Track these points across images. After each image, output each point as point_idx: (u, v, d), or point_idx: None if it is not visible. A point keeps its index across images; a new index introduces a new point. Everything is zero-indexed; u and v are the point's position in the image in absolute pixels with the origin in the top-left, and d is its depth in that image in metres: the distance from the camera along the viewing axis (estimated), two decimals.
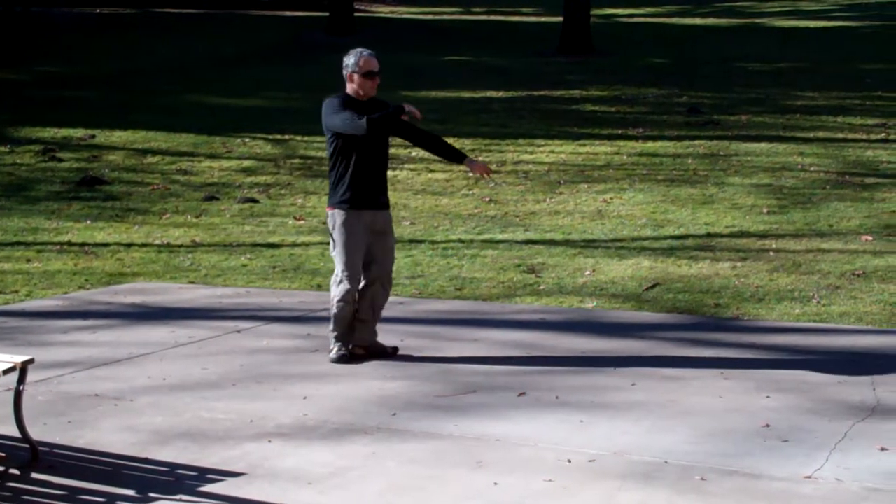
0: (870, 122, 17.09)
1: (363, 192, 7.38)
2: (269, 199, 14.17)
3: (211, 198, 14.23)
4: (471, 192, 14.12)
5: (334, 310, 7.44)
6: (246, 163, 15.88)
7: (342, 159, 7.40)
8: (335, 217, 7.42)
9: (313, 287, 10.22)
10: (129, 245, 12.16)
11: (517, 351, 7.66)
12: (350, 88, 7.54)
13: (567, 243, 11.56)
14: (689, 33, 27.11)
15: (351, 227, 7.36)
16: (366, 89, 7.51)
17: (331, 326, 7.53)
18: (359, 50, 7.58)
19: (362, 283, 7.49)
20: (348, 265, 7.37)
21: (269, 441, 5.91)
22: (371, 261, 7.47)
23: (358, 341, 7.56)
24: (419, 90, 20.41)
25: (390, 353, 7.62)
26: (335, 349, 7.51)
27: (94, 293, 10.13)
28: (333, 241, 7.46)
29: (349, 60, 7.51)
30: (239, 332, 8.41)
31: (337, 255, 7.45)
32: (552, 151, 15.92)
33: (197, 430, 6.14)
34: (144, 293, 10.01)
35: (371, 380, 7.03)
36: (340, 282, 7.41)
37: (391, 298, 9.60)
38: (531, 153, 15.84)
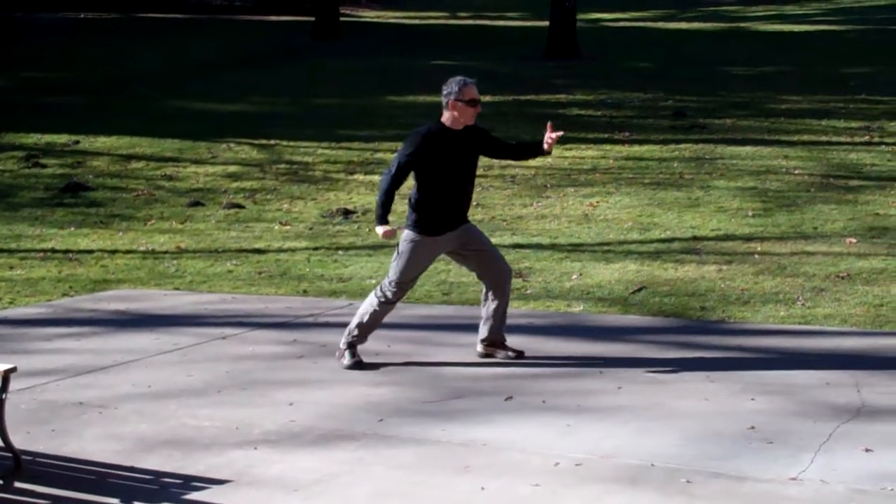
0: (853, 125, 17.15)
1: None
2: (254, 205, 14.14)
3: (196, 203, 14.19)
4: None
5: (365, 320, 7.47)
6: (231, 168, 15.85)
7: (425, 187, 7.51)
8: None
9: (299, 293, 10.20)
10: (114, 252, 12.12)
11: (505, 354, 7.64)
12: (448, 116, 7.49)
13: (554, 247, 11.56)
14: (675, 38, 27.17)
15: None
16: (466, 118, 7.48)
17: (353, 328, 7.48)
18: (460, 78, 7.56)
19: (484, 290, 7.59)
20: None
21: (255, 448, 5.90)
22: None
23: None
24: (405, 94, 20.42)
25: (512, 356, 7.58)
26: (348, 356, 7.47)
27: (77, 300, 10.09)
28: (400, 257, 7.48)
29: (451, 88, 7.47)
30: (224, 338, 8.39)
31: (395, 270, 7.51)
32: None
33: (182, 437, 6.12)
34: (129, 300, 9.98)
35: (358, 385, 7.02)
36: (386, 296, 7.47)
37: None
38: None
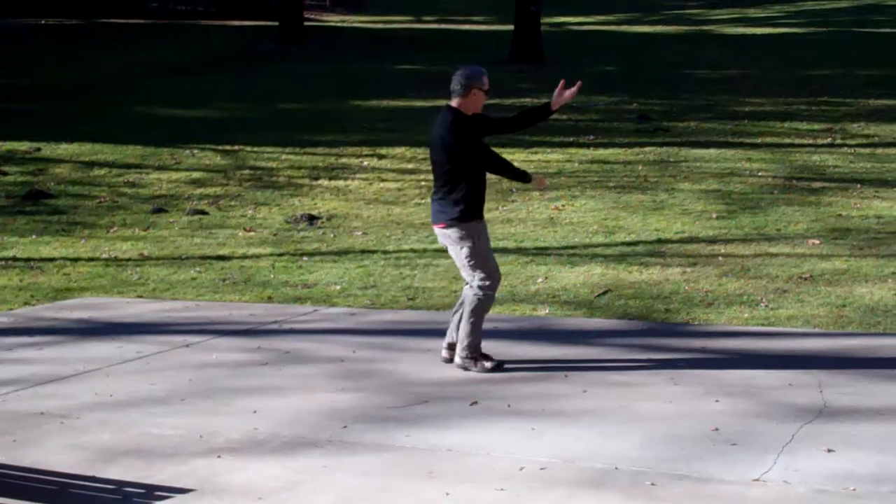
0: (816, 127, 17.28)
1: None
2: (218, 211, 14.07)
3: (159, 210, 14.12)
4: (423, 200, 14.09)
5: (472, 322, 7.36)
6: (195, 174, 15.77)
7: (470, 173, 7.32)
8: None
9: (264, 299, 10.16)
10: (76, 259, 12.03)
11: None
12: (462, 102, 7.32)
13: (519, 251, 11.57)
14: (639, 41, 27.29)
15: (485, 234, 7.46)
16: (478, 106, 7.40)
17: (470, 339, 7.37)
18: (478, 67, 7.46)
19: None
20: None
21: (219, 456, 5.86)
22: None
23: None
24: (370, 99, 20.41)
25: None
26: (484, 363, 7.39)
27: (39, 309, 10.01)
28: (467, 251, 7.32)
29: (472, 76, 7.32)
30: (188, 346, 8.34)
31: (474, 265, 7.35)
32: None
33: (145, 446, 6.07)
34: (91, 308, 9.90)
35: (322, 392, 6.99)
36: (483, 291, 7.35)
37: (343, 309, 9.62)
38: None
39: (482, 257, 7.36)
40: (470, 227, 7.31)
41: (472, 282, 7.40)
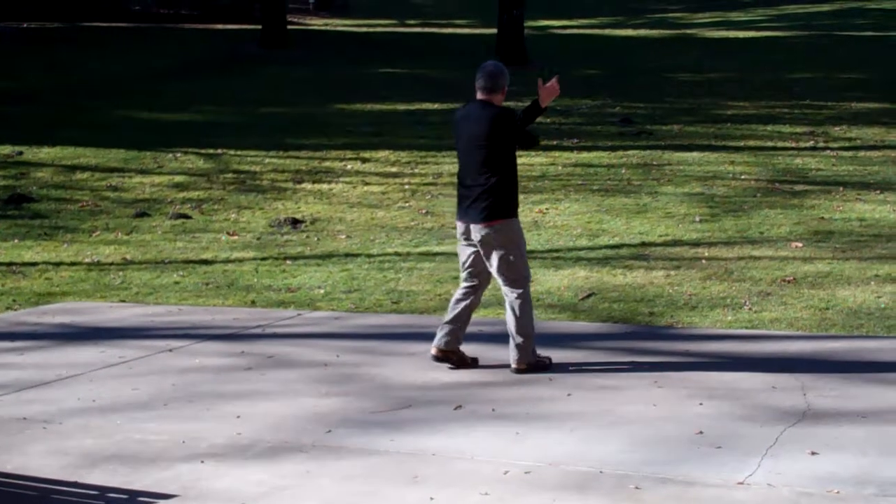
0: (798, 130, 17.33)
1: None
2: (201, 215, 14.04)
3: (142, 214, 14.07)
4: (407, 204, 14.09)
5: (526, 320, 7.31)
6: (178, 178, 15.73)
7: (512, 168, 7.32)
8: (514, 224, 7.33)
9: (247, 303, 10.14)
10: (58, 264, 11.99)
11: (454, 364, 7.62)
12: (498, 100, 7.34)
13: None
14: (622, 45, 27.33)
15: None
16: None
17: (523, 339, 7.31)
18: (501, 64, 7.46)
19: (466, 289, 7.46)
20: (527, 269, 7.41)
21: (202, 461, 5.84)
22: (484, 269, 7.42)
23: (444, 345, 7.46)
24: (354, 103, 20.38)
25: (470, 364, 7.54)
26: (544, 359, 7.42)
27: (21, 314, 9.96)
28: (513, 248, 7.28)
29: (507, 77, 7.38)
30: (171, 350, 8.31)
31: (516, 263, 7.30)
32: None
33: (128, 451, 6.05)
34: (74, 313, 9.86)
35: (305, 397, 6.97)
36: (525, 289, 7.33)
37: (327, 313, 9.60)
38: None
39: (525, 256, 7.38)
40: (515, 220, 7.32)
41: (514, 285, 7.27)
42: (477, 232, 7.28)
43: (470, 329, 8.32)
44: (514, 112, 7.32)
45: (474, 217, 7.26)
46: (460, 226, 7.41)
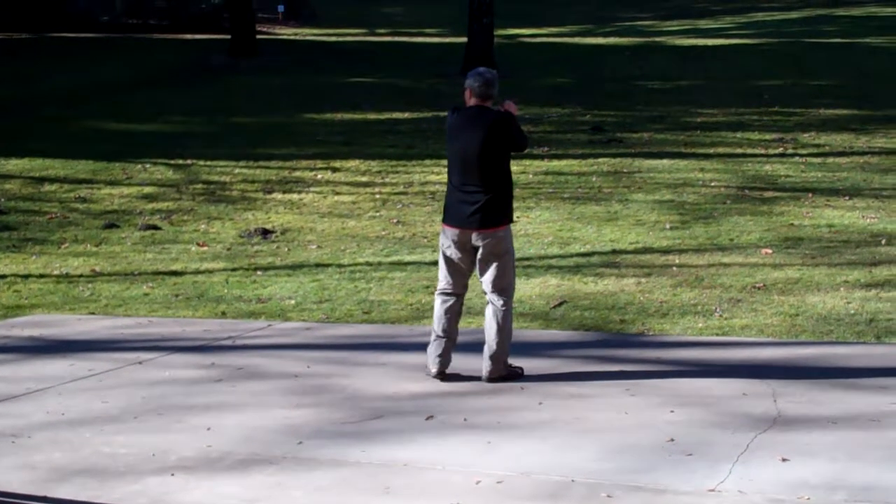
0: (768, 137, 17.41)
1: None
2: (171, 226, 13.97)
3: (111, 226, 13.99)
4: (378, 213, 14.07)
5: (508, 330, 7.33)
6: (147, 189, 15.66)
7: (510, 173, 7.40)
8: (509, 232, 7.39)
9: (217, 315, 10.09)
10: (27, 276, 11.90)
11: (425, 374, 7.61)
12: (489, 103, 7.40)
13: None
14: (592, 53, 27.40)
15: None
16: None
17: (501, 349, 7.29)
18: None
19: (456, 297, 7.44)
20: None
21: (172, 474, 5.80)
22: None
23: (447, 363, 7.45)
24: (323, 112, 20.35)
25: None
26: (517, 368, 7.43)
27: None
28: (509, 257, 7.32)
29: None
30: (140, 363, 8.26)
31: (510, 271, 7.33)
32: None
33: (97, 465, 6.00)
34: (42, 326, 9.79)
35: (276, 408, 6.94)
36: (511, 298, 7.37)
37: (297, 324, 9.57)
38: (438, 174, 15.83)
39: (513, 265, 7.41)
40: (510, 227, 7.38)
41: (502, 294, 7.27)
42: (480, 238, 7.22)
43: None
44: (514, 116, 7.34)
45: (477, 223, 7.20)
46: (455, 232, 7.28)
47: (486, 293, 7.39)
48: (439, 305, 7.43)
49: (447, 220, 7.35)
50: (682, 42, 28.86)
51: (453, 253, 7.34)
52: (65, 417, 6.89)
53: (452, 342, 7.43)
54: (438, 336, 7.40)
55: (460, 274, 7.40)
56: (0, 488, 5.69)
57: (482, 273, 7.30)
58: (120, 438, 6.42)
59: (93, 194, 15.48)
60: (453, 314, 7.41)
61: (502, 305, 7.29)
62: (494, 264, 7.25)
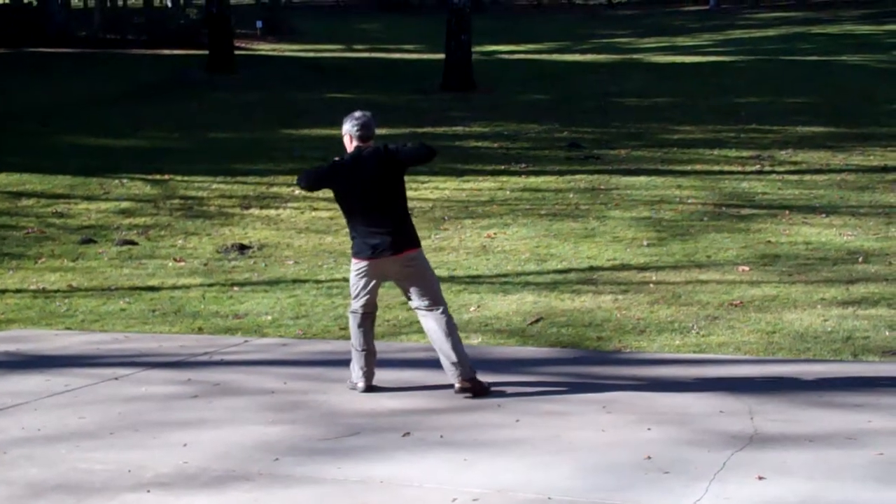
0: (745, 154, 17.50)
1: None
2: (148, 241, 13.93)
3: (88, 241, 13.94)
4: None
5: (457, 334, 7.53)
6: (124, 204, 15.61)
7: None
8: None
9: (194, 330, 10.05)
10: (3, 291, 11.84)
11: (402, 390, 7.61)
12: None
13: (452, 279, 11.56)
14: (569, 70, 27.51)
15: None
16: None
17: (460, 354, 7.43)
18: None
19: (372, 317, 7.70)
20: None
21: (148, 491, 5.77)
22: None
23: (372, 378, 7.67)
24: (301, 128, 20.35)
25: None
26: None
27: None
28: (432, 274, 7.60)
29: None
30: (117, 379, 8.22)
31: (435, 282, 7.62)
32: (436, 188, 15.97)
33: (73, 481, 5.96)
34: (18, 341, 9.73)
35: (253, 424, 6.91)
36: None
37: (274, 340, 9.54)
38: (415, 190, 15.84)
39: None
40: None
41: (440, 303, 7.50)
42: (399, 262, 7.43)
43: (418, 354, 8.36)
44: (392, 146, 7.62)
45: (405, 245, 7.45)
46: (373, 263, 7.45)
47: (418, 309, 7.53)
48: (363, 324, 7.64)
49: (366, 254, 7.48)
50: (660, 59, 29.00)
51: (367, 280, 7.55)
52: (41, 433, 6.85)
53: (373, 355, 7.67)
54: (364, 350, 7.63)
55: (376, 295, 7.65)
56: None
57: (414, 290, 7.51)
58: (96, 454, 6.38)
59: (70, 209, 15.43)
60: (367, 328, 7.64)
61: (441, 313, 7.46)
62: (423, 280, 7.50)
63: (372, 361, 7.63)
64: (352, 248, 7.60)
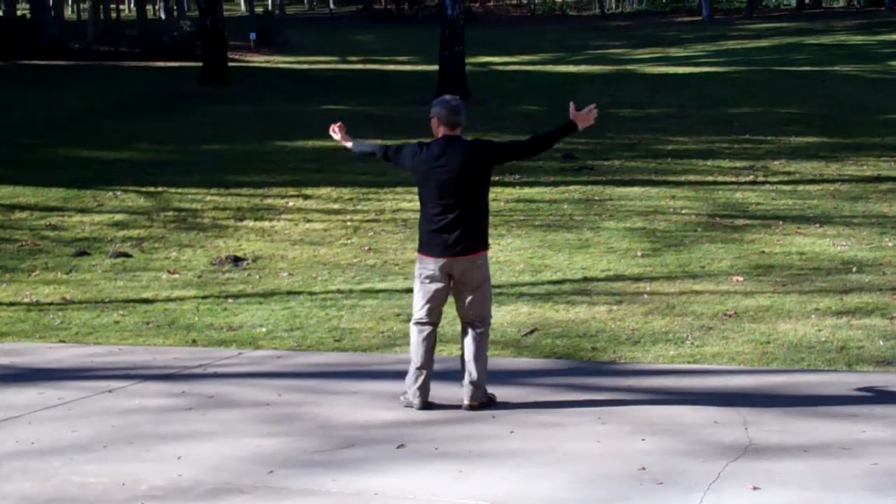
0: (738, 164, 17.53)
1: None
2: (141, 254, 13.91)
3: (82, 253, 13.92)
4: (349, 241, 14.06)
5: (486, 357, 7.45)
6: (118, 216, 15.60)
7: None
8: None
9: (188, 343, 10.04)
10: None
11: (396, 402, 7.60)
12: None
13: None
14: (563, 81, 27.55)
15: None
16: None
17: (482, 376, 7.39)
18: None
19: (433, 328, 7.51)
20: None
21: None
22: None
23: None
24: (295, 139, 20.36)
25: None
26: (492, 395, 7.49)
27: None
28: (489, 282, 7.41)
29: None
30: (111, 391, 8.20)
31: (490, 297, 7.47)
32: None
33: (67, 495, 5.95)
34: (12, 354, 9.71)
35: (247, 437, 6.90)
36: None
37: (268, 352, 9.53)
38: (410, 201, 15.85)
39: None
40: None
41: (486, 317, 7.38)
42: (460, 265, 7.23)
43: (402, 367, 8.36)
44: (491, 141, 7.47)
45: (468, 247, 7.21)
46: (437, 262, 7.25)
47: (464, 320, 7.40)
48: (421, 335, 7.43)
49: (431, 252, 7.28)
50: (653, 70, 29.06)
51: (431, 284, 7.32)
52: (35, 447, 6.83)
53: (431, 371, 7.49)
54: (420, 368, 7.42)
55: (441, 304, 7.40)
56: None
57: (464, 300, 7.32)
58: (90, 468, 6.37)
59: (63, 222, 15.42)
60: (430, 344, 7.43)
61: (481, 332, 7.34)
62: (477, 290, 7.30)
63: (429, 377, 7.42)
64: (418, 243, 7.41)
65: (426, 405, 7.41)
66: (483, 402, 7.36)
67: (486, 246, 7.34)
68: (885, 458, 6.00)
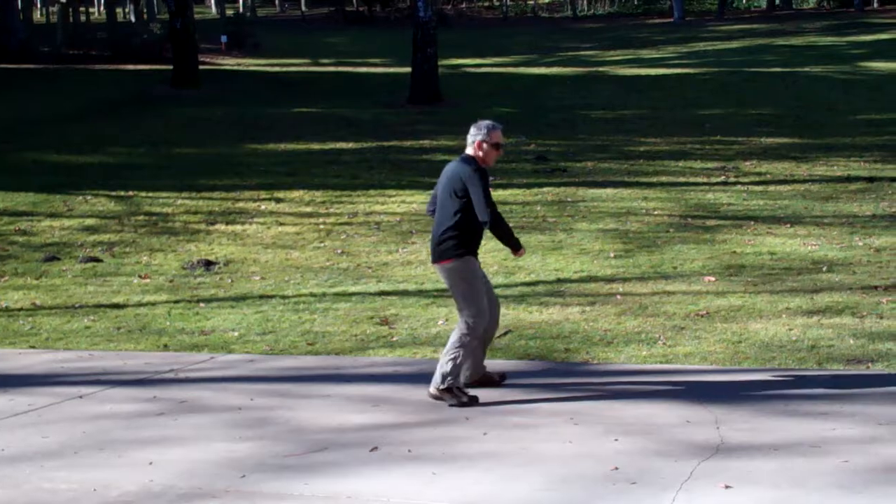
0: (710, 165, 17.59)
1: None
2: (112, 258, 13.83)
3: (51, 258, 13.83)
4: (322, 244, 14.02)
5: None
6: (88, 221, 15.51)
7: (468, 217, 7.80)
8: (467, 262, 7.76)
9: (159, 347, 9.99)
10: None
11: (369, 405, 7.59)
12: (476, 155, 8.12)
13: (420, 293, 11.55)
14: (535, 83, 27.59)
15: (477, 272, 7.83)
16: (490, 160, 8.12)
17: (445, 368, 7.65)
18: (489, 122, 8.15)
19: None
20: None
21: None
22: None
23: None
24: (267, 143, 20.31)
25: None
26: (461, 395, 7.64)
27: None
28: (465, 285, 7.71)
29: (480, 131, 8.04)
30: (81, 397, 8.15)
31: (463, 300, 7.74)
32: (403, 201, 15.95)
33: (37, 501, 5.91)
34: None
35: (219, 442, 6.87)
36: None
37: (241, 356, 9.49)
38: (383, 204, 15.85)
39: (478, 290, 7.85)
40: (469, 258, 7.93)
41: (461, 319, 7.75)
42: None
43: (385, 369, 8.35)
44: (483, 168, 8.09)
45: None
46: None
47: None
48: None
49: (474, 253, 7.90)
50: (625, 72, 29.13)
51: (482, 275, 7.91)
52: (5, 453, 6.78)
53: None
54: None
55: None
56: None
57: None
58: (61, 474, 6.33)
59: (33, 227, 15.32)
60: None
61: (455, 331, 7.66)
62: (453, 295, 7.89)
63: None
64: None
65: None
66: (433, 394, 7.61)
67: (450, 254, 7.77)
68: (854, 456, 6.03)
